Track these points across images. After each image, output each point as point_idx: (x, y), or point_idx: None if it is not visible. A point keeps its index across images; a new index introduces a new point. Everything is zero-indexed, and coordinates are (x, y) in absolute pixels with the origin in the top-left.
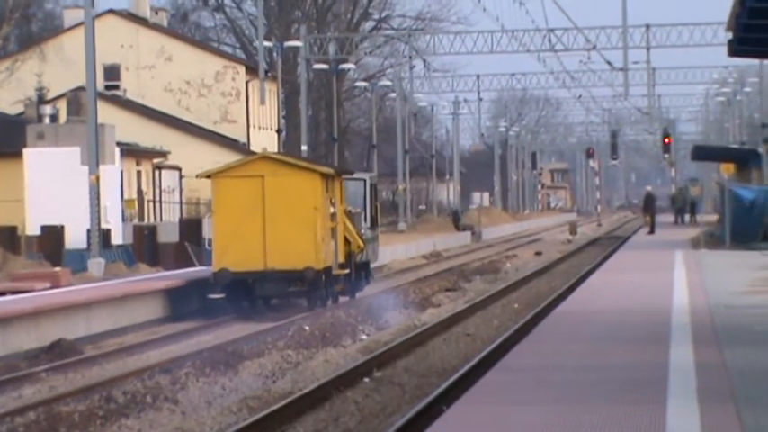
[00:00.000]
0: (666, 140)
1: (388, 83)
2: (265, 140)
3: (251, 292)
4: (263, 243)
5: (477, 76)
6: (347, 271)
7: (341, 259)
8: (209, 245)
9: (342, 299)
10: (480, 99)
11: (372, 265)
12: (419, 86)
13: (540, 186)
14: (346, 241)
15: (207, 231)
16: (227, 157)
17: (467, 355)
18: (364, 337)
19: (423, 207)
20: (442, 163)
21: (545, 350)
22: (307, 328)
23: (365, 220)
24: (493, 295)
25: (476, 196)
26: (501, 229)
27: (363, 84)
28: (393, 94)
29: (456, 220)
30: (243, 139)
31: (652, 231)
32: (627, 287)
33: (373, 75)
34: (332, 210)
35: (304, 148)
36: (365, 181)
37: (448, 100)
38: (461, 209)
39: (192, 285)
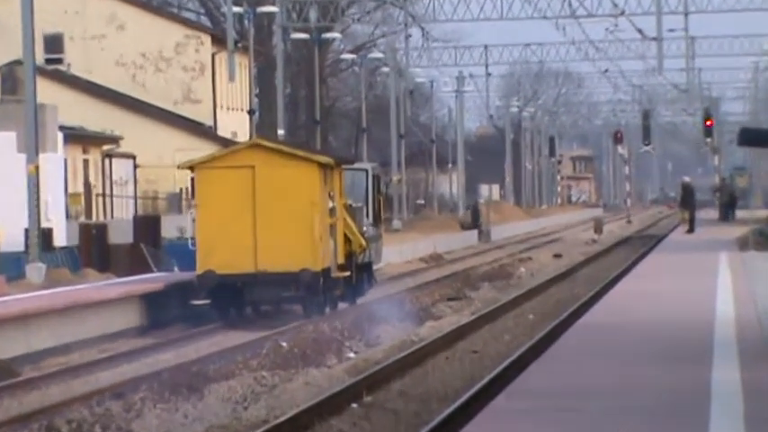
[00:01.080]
0: (708, 122)
1: (380, 55)
2: (235, 123)
3: (240, 298)
4: (254, 242)
5: (486, 47)
6: (348, 273)
7: (340, 260)
8: (194, 244)
9: (340, 305)
10: (489, 74)
11: (375, 267)
12: (416, 59)
13: (559, 177)
14: (346, 240)
15: (189, 230)
16: (189, 143)
17: (472, 377)
18: (352, 354)
19: (421, 202)
20: (444, 149)
21: (565, 370)
22: (284, 344)
23: (367, 215)
24: (504, 305)
25: (483, 189)
26: (513, 228)
27: (351, 56)
28: (386, 69)
29: (475, 218)
30: (209, 122)
31: (691, 230)
32: (662, 295)
33: (362, 45)
34: (331, 204)
35: (281, 132)
36: (367, 171)
37: (450, 75)
38: (467, 202)
39: (154, 293)
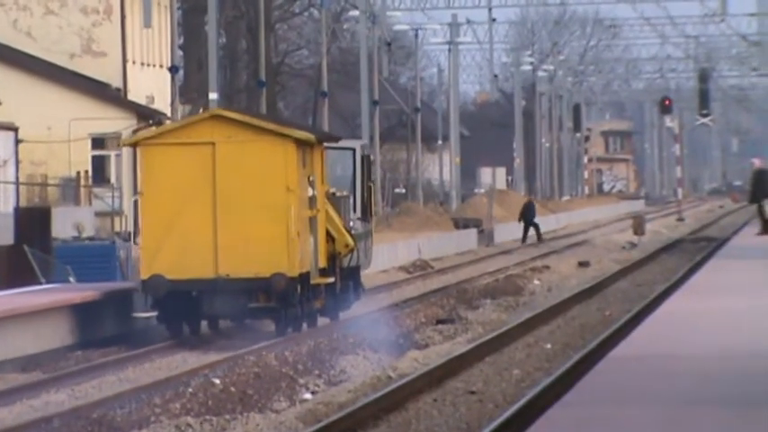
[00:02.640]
0: None
1: None
2: (152, 84)
3: (195, 310)
4: (214, 239)
5: None
6: (331, 280)
7: (322, 263)
8: (135, 241)
9: (320, 320)
10: (493, 19)
11: (363, 272)
12: (396, 0)
13: (586, 158)
14: (329, 238)
15: (129, 222)
16: (90, 110)
17: (470, 427)
18: (308, 396)
19: (401, 190)
20: (432, 121)
21: (593, 418)
22: (217, 381)
23: (354, 207)
24: (511, 330)
25: (484, 174)
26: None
27: None
28: (354, 13)
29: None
30: (116, 82)
31: (765, 231)
32: (723, 319)
33: None
34: (311, 192)
35: (213, 95)
36: (354, 151)
37: (441, 21)
38: (460, 192)
39: (48, 310)
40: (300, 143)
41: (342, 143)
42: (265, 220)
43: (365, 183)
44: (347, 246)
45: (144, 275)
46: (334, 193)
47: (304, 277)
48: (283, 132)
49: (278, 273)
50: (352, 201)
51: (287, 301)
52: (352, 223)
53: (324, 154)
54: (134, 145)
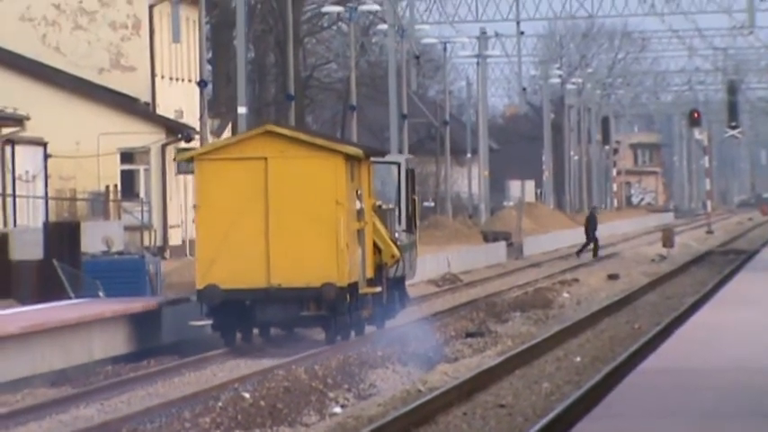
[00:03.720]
0: None
1: (376, 7)
2: (181, 98)
3: (249, 318)
4: (266, 251)
5: None
6: (378, 289)
7: (369, 273)
8: (197, 254)
9: (367, 328)
10: (521, 33)
11: (408, 283)
12: (425, 13)
13: (615, 171)
14: (376, 249)
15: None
16: (119, 125)
17: None
18: (338, 409)
19: (430, 203)
20: (461, 134)
21: None
22: (246, 395)
23: (399, 220)
24: (541, 343)
25: (513, 186)
26: (554, 239)
27: (336, 9)
28: (383, 26)
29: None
30: (145, 96)
31: None
32: (753, 331)
33: None
34: (358, 205)
35: (242, 110)
36: (399, 165)
37: (469, 34)
38: (489, 205)
39: (76, 325)
40: (349, 158)
41: (387, 158)
42: (316, 232)
43: (410, 195)
44: (393, 257)
45: (199, 285)
46: (380, 206)
47: (353, 287)
48: (333, 148)
49: (328, 283)
50: (397, 213)
51: (336, 309)
52: (397, 235)
53: (371, 168)
54: (190, 160)
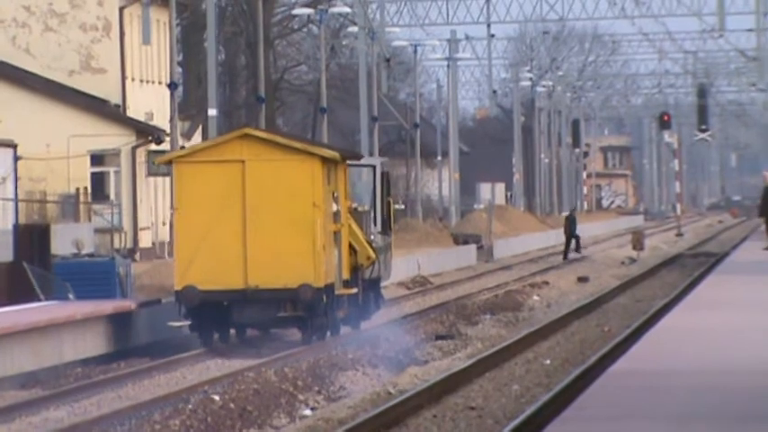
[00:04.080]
0: None
1: (346, 10)
2: (151, 100)
3: (227, 319)
4: (244, 252)
5: (488, 0)
6: (354, 290)
7: (345, 275)
8: (176, 256)
9: (343, 329)
10: (492, 35)
11: (383, 284)
12: (395, 15)
13: (585, 174)
14: (352, 250)
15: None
16: (90, 127)
17: None
18: (308, 412)
19: (401, 206)
20: (432, 137)
21: None
22: (216, 397)
23: (374, 221)
24: (511, 346)
25: (484, 189)
26: (524, 242)
27: (306, 12)
28: (353, 29)
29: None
30: (116, 98)
31: None
32: (723, 334)
33: None
34: (335, 207)
35: (213, 112)
36: (374, 168)
37: (440, 37)
38: (459, 208)
39: (50, 326)
40: (326, 161)
41: (363, 161)
42: (293, 234)
43: (385, 198)
44: (369, 258)
45: (178, 286)
46: (356, 208)
47: (329, 288)
48: (310, 151)
49: (305, 284)
50: (372, 215)
51: (313, 310)
52: (372, 237)
53: (347, 171)
54: (169, 162)
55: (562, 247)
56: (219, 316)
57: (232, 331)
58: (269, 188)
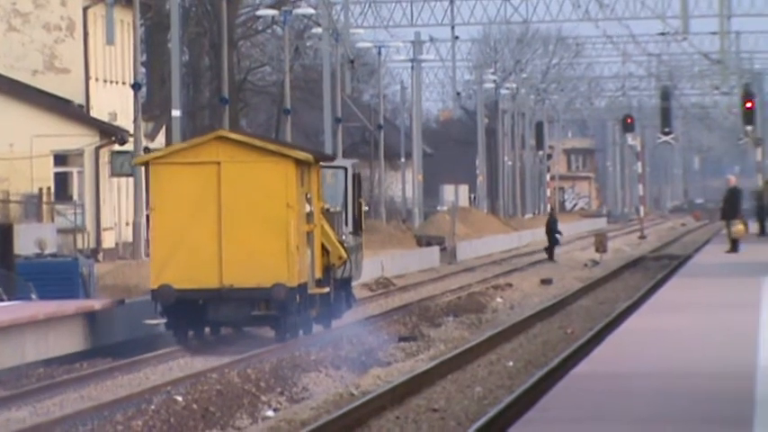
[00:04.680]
0: (748, 104)
1: (310, 11)
2: (115, 100)
3: (202, 317)
4: (219, 252)
5: (451, 1)
6: (326, 290)
7: (318, 274)
8: (152, 255)
9: (315, 327)
10: (456, 37)
11: (354, 284)
12: (359, 18)
13: (549, 176)
14: (324, 250)
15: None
16: (53, 127)
17: None
18: (270, 413)
19: (364, 207)
20: (395, 138)
21: None
22: (179, 398)
23: (346, 222)
24: (474, 348)
25: (447, 191)
26: (487, 243)
27: (271, 13)
28: (317, 30)
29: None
30: (79, 99)
31: (734, 249)
32: (686, 336)
33: None
34: (308, 208)
35: (176, 113)
36: (346, 170)
37: (404, 39)
38: (423, 210)
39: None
40: (299, 163)
41: (335, 162)
42: (267, 235)
43: (356, 199)
44: (341, 258)
45: (154, 285)
46: (328, 209)
47: (302, 287)
48: (284, 153)
49: (278, 283)
50: (344, 216)
51: (286, 309)
52: (344, 237)
53: (320, 172)
54: (145, 164)
55: (524, 250)
56: (195, 314)
57: (207, 329)
58: (244, 189)
